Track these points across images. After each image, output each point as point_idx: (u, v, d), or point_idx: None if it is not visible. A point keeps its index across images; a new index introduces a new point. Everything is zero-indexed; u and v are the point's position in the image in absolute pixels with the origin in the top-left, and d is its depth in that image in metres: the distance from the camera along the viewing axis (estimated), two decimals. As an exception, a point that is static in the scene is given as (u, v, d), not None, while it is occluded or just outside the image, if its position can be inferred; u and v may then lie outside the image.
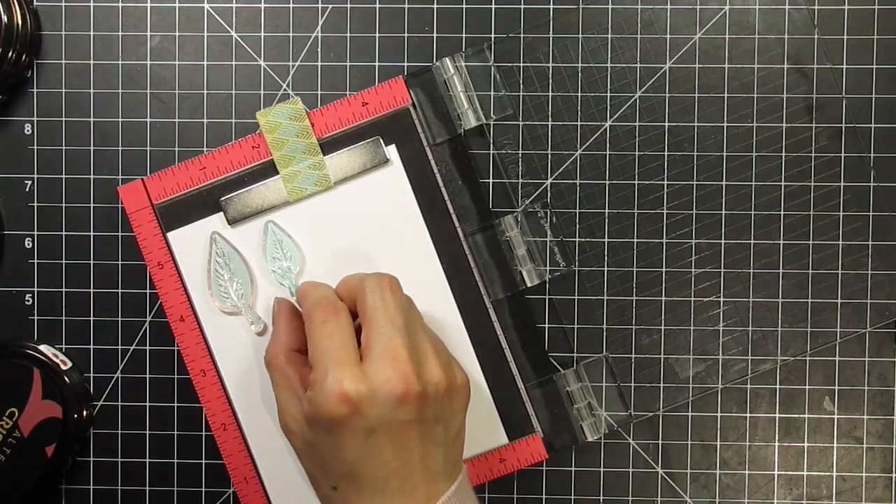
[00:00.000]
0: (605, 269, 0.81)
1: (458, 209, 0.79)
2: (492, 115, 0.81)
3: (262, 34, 0.82)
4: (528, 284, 0.80)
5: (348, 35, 0.82)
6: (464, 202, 0.80)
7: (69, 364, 0.81)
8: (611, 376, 0.81)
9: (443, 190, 0.79)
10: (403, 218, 0.79)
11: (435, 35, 0.81)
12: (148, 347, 0.82)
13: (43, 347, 0.81)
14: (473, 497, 0.72)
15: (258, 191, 0.79)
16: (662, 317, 0.81)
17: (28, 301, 0.82)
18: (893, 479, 0.82)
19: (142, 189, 0.79)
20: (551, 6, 0.81)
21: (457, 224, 0.79)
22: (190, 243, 0.79)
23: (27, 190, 0.82)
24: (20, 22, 0.79)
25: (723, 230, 0.81)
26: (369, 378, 0.66)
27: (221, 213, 0.79)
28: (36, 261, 0.82)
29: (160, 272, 0.79)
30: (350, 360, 0.67)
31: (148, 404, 0.82)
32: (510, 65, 0.81)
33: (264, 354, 0.74)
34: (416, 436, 0.68)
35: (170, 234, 0.79)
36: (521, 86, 0.81)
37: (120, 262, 0.82)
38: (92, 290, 0.82)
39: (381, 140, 0.79)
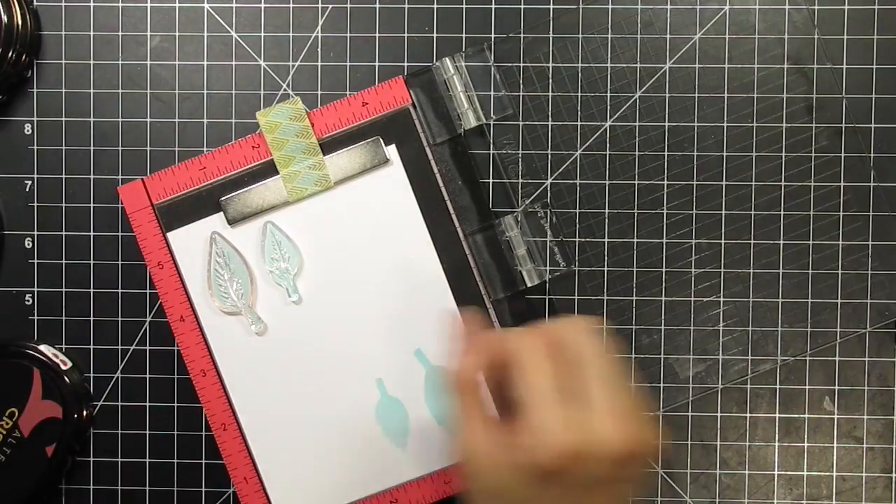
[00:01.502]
0: (605, 269, 0.81)
1: (458, 209, 0.79)
2: (492, 115, 0.81)
3: (262, 34, 0.82)
4: (528, 284, 0.80)
5: (348, 35, 0.82)
6: (464, 202, 0.80)
7: (69, 364, 0.81)
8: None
9: (443, 190, 0.79)
10: (403, 218, 0.79)
11: (435, 35, 0.81)
12: (148, 347, 0.82)
13: (43, 347, 0.81)
14: None
15: (258, 191, 0.79)
16: (662, 317, 0.81)
17: (28, 301, 0.82)
18: (893, 479, 0.82)
19: (142, 189, 0.79)
20: (551, 6, 0.81)
21: (457, 224, 0.79)
22: (190, 243, 0.79)
23: (27, 190, 0.82)
24: (20, 22, 0.79)
25: (723, 230, 0.81)
26: (592, 431, 0.61)
27: (221, 213, 0.79)
28: (36, 261, 0.82)
29: (160, 272, 0.79)
30: (570, 411, 0.62)
31: (148, 404, 0.82)
32: (510, 65, 0.81)
33: (448, 376, 0.68)
34: (623, 495, 0.64)
35: (170, 234, 0.79)
36: (521, 86, 0.81)
37: (120, 262, 0.82)
38: (92, 290, 0.82)
39: (381, 140, 0.79)
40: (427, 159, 0.79)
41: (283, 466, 0.80)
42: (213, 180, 0.79)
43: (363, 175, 0.79)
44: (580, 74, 0.81)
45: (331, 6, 0.82)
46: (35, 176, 0.82)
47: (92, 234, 0.82)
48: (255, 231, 0.79)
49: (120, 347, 0.82)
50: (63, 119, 0.82)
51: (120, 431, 0.83)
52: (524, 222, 0.81)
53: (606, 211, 0.81)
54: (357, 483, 0.79)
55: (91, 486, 0.83)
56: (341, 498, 0.79)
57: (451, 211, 0.79)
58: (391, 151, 0.79)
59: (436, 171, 0.79)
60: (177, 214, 0.79)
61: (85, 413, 0.81)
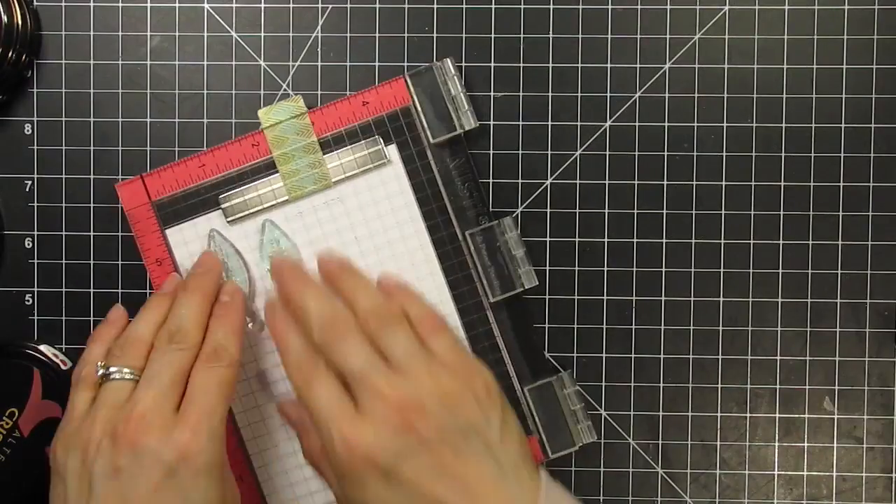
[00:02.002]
0: (605, 269, 0.81)
1: (457, 210, 0.79)
2: (492, 115, 0.81)
3: (262, 34, 0.82)
4: (527, 286, 0.80)
5: (348, 35, 0.82)
6: (463, 203, 0.80)
7: (69, 364, 0.81)
8: (609, 378, 0.81)
9: (442, 190, 0.79)
10: (402, 218, 0.79)
11: (435, 35, 0.81)
12: (148, 347, 0.82)
13: (43, 347, 0.81)
14: (571, 500, 0.69)
15: (257, 188, 0.79)
16: (662, 317, 0.81)
17: (28, 301, 0.82)
18: (893, 479, 0.81)
19: (140, 186, 0.79)
20: (552, 6, 0.81)
21: (456, 225, 0.79)
22: (188, 240, 0.79)
23: (27, 190, 0.82)
24: (20, 22, 0.79)
25: (722, 230, 0.81)
26: (368, 423, 0.64)
27: (220, 211, 0.79)
28: (36, 261, 0.82)
29: (158, 269, 0.79)
30: (345, 413, 0.65)
31: (148, 404, 0.82)
32: (510, 65, 0.81)
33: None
34: (449, 455, 0.65)
35: (168, 231, 0.79)
36: (522, 86, 0.81)
37: (120, 262, 0.82)
38: (92, 290, 0.82)
39: (381, 140, 0.79)
40: (427, 159, 0.79)
41: (279, 466, 0.80)
42: (213, 177, 0.79)
43: (363, 174, 0.79)
44: (580, 74, 0.81)
45: (331, 6, 0.82)
46: (35, 176, 0.82)
47: (92, 234, 0.82)
48: (253, 229, 0.79)
49: (120, 347, 0.82)
50: (63, 119, 0.82)
51: (120, 431, 0.83)
52: (523, 223, 0.81)
53: (606, 211, 0.81)
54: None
55: (91, 486, 0.83)
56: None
57: (451, 211, 0.79)
58: (391, 151, 0.79)
59: (435, 171, 0.79)
60: (175, 211, 0.79)
61: (85, 413, 0.81)
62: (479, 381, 0.68)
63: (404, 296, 0.72)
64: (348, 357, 0.67)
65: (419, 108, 0.79)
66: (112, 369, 0.70)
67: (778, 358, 0.81)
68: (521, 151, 0.81)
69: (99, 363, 0.71)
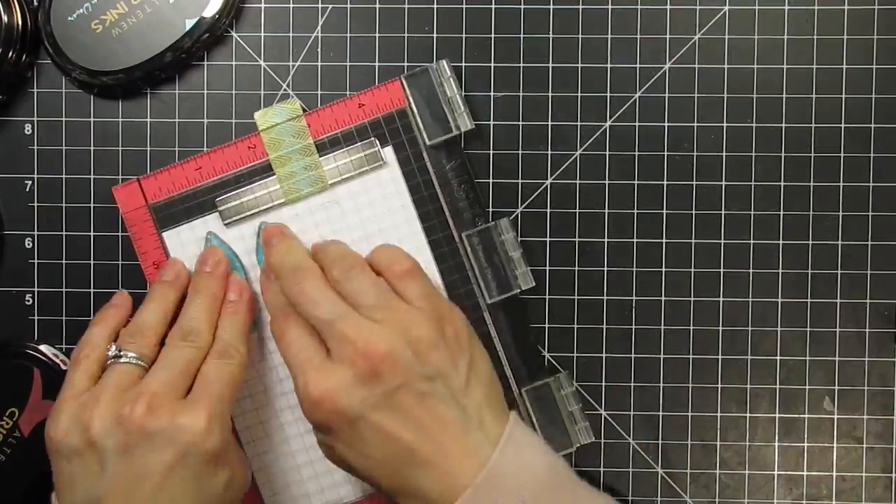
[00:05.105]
0: (605, 269, 0.81)
1: (453, 211, 0.79)
2: (492, 115, 0.80)
3: (262, 34, 0.82)
4: (523, 287, 0.80)
5: (348, 35, 0.82)
6: (459, 204, 0.80)
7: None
8: (609, 378, 0.81)
9: (438, 192, 0.79)
10: (399, 220, 0.79)
11: (435, 35, 0.81)
12: (148, 347, 0.82)
13: (43, 347, 0.81)
14: (537, 442, 0.71)
15: (254, 191, 0.79)
16: (662, 317, 0.81)
17: (28, 301, 0.82)
18: (893, 479, 0.81)
19: (137, 189, 0.79)
20: (551, 6, 0.81)
21: (452, 226, 0.79)
22: (185, 243, 0.79)
23: (27, 190, 0.82)
24: (20, 22, 0.79)
25: (722, 230, 0.81)
26: (334, 370, 0.67)
27: (217, 213, 0.79)
28: (36, 261, 0.82)
29: (155, 272, 0.79)
30: (312, 361, 0.69)
31: (148, 404, 0.82)
32: (509, 65, 0.81)
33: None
34: (413, 401, 0.67)
35: (165, 234, 0.79)
36: (521, 87, 0.81)
37: (120, 262, 0.82)
38: (92, 290, 0.82)
39: (377, 141, 0.79)
40: (423, 161, 0.79)
41: (277, 467, 0.80)
42: (209, 180, 0.79)
43: (359, 176, 0.79)
44: (580, 75, 0.81)
45: (331, 6, 0.82)
46: (35, 176, 0.82)
47: (92, 234, 0.82)
48: (250, 231, 0.79)
49: (120, 347, 0.83)
50: (63, 119, 0.82)
51: (120, 431, 0.83)
52: (520, 225, 0.80)
53: (606, 211, 0.81)
54: (350, 484, 0.80)
55: (91, 486, 0.83)
56: (335, 498, 0.79)
57: (447, 213, 0.79)
58: (387, 153, 0.79)
59: (432, 172, 0.79)
60: (172, 214, 0.79)
61: (85, 413, 0.81)
62: (449, 327, 0.71)
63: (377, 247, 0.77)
64: (315, 306, 0.70)
65: (415, 110, 0.79)
66: (122, 352, 0.71)
67: (778, 358, 0.81)
68: (521, 151, 0.81)
69: (112, 345, 0.73)
